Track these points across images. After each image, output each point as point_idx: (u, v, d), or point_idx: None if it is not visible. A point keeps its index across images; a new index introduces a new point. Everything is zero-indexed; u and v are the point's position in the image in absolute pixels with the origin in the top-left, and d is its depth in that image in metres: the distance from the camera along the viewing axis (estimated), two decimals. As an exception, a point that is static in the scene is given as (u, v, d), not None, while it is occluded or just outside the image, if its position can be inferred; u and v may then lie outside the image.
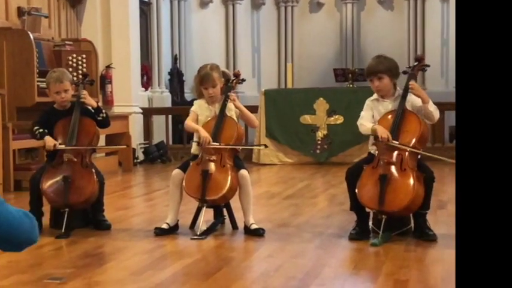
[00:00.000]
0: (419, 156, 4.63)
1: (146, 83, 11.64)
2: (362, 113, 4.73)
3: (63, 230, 4.81)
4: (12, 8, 8.22)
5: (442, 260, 4.02)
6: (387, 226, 4.44)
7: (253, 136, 10.07)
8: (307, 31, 13.97)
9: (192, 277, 3.77)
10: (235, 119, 5.00)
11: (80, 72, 8.03)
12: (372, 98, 4.78)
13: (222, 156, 4.85)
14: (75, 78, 6.07)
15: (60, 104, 5.18)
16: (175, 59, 12.69)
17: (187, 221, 5.06)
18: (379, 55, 4.82)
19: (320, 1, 13.89)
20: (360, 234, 4.59)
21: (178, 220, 4.93)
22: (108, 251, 4.48)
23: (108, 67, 9.85)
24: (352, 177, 4.62)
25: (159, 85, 12.17)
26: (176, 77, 12.71)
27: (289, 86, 11.27)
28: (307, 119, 9.72)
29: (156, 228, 4.88)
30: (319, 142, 9.60)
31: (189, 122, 5.00)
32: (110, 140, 9.16)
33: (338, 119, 9.56)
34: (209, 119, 4.98)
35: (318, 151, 9.60)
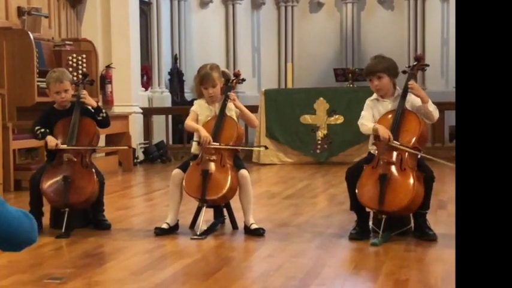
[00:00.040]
0: (419, 156, 4.63)
1: (146, 83, 11.64)
2: (363, 113, 4.73)
3: (63, 230, 4.81)
4: (12, 8, 8.22)
5: (442, 260, 4.02)
6: (387, 226, 4.44)
7: (253, 136, 10.07)
8: (307, 31, 13.98)
9: (192, 277, 3.77)
10: (235, 118, 5.00)
11: (80, 72, 8.03)
12: (371, 97, 4.78)
13: (222, 156, 4.85)
14: (75, 78, 6.08)
15: (60, 104, 5.18)
16: (175, 59, 12.69)
17: (187, 220, 5.06)
18: (377, 55, 4.83)
19: (320, 1, 13.90)
20: (360, 234, 4.59)
21: (178, 220, 4.93)
22: (108, 250, 4.48)
23: (108, 67, 9.85)
24: (352, 177, 4.62)
25: (159, 85, 12.17)
26: (176, 77, 12.71)
27: (289, 85, 11.28)
28: (307, 118, 9.72)
29: (156, 228, 4.88)
30: (319, 142, 9.60)
31: (189, 122, 5.00)
32: (110, 140, 9.16)
33: (338, 119, 9.56)
34: (209, 118, 4.97)
35: (318, 151, 9.59)
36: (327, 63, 13.38)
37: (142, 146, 10.52)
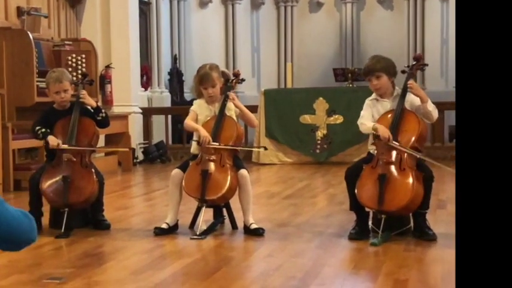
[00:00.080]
0: (418, 156, 4.63)
1: (146, 83, 11.64)
2: (362, 113, 4.74)
3: (62, 230, 4.81)
4: (12, 8, 8.22)
5: (441, 260, 4.02)
6: (387, 226, 4.44)
7: (253, 136, 10.07)
8: (307, 31, 13.98)
9: (191, 277, 3.77)
10: (234, 118, 5.00)
11: (80, 72, 8.03)
12: (371, 97, 4.79)
13: (221, 156, 4.85)
14: (74, 78, 6.07)
15: (59, 104, 5.18)
16: (174, 59, 12.69)
17: (186, 220, 5.06)
18: (375, 55, 4.86)
19: (320, 1, 13.89)
20: (359, 233, 4.59)
21: (177, 220, 4.93)
22: (108, 250, 4.48)
23: (107, 67, 9.85)
24: (352, 177, 4.62)
25: (158, 85, 12.17)
26: (176, 77, 12.71)
27: (289, 85, 11.28)
28: (306, 118, 9.72)
29: (155, 228, 4.88)
30: (319, 142, 9.60)
31: (189, 121, 5.00)
32: (110, 139, 9.16)
33: (338, 119, 9.57)
34: (209, 118, 4.97)
35: (317, 151, 9.60)
36: (326, 63, 13.37)
37: (142, 146, 10.51)
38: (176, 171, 4.92)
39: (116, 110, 9.84)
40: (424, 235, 4.52)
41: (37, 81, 7.63)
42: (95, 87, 8.68)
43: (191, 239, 4.70)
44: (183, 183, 4.84)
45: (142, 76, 11.28)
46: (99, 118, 5.21)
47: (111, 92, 9.89)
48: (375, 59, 4.74)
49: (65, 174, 4.97)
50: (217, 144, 4.84)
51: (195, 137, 4.98)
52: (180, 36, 12.87)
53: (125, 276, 3.76)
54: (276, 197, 6.72)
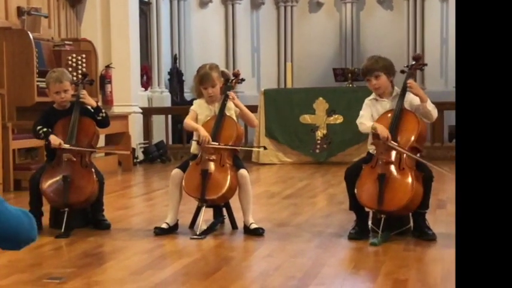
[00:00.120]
0: (418, 155, 4.64)
1: (146, 83, 11.64)
2: (361, 112, 4.74)
3: (62, 230, 4.81)
4: (12, 8, 8.22)
5: (441, 260, 4.02)
6: (386, 225, 4.44)
7: (253, 136, 10.07)
8: (307, 31, 13.97)
9: (191, 277, 3.78)
10: (234, 118, 5.01)
11: (80, 72, 8.03)
12: (370, 97, 4.79)
13: (221, 155, 4.85)
14: (74, 78, 6.07)
15: (59, 104, 5.18)
16: (174, 59, 12.69)
17: (186, 220, 5.07)
18: (372, 55, 4.88)
19: (319, 1, 13.89)
20: (359, 233, 4.59)
21: (177, 220, 4.93)
22: (108, 250, 4.49)
23: (107, 67, 9.85)
24: (351, 177, 4.63)
25: (158, 85, 12.17)
26: (176, 77, 12.71)
27: (289, 85, 11.28)
28: (306, 118, 9.72)
29: (155, 228, 4.88)
30: (319, 142, 9.60)
31: (189, 121, 5.00)
32: (110, 139, 9.17)
33: (337, 119, 9.57)
34: (209, 118, 4.98)
35: (317, 151, 9.60)
36: (326, 63, 13.38)
37: (142, 146, 10.52)
38: (176, 171, 4.92)
39: (116, 109, 9.85)
40: (424, 235, 4.52)
41: (37, 81, 7.63)
42: (95, 87, 8.68)
43: (191, 238, 4.70)
44: (183, 183, 4.85)
45: (142, 76, 11.29)
46: (99, 118, 5.21)
47: (111, 92, 9.89)
48: (373, 59, 4.76)
49: (65, 174, 4.97)
50: (216, 144, 4.85)
51: (195, 137, 4.99)
52: (180, 36, 12.87)
53: (125, 276, 3.76)
54: (276, 196, 6.72)
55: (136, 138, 10.12)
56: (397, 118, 4.58)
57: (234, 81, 5.14)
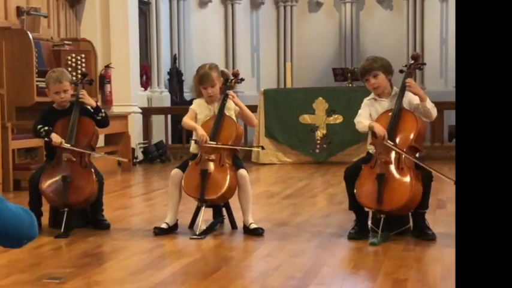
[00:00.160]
0: (417, 155, 4.64)
1: (145, 83, 11.64)
2: (360, 111, 4.75)
3: (62, 230, 4.81)
4: (11, 8, 8.22)
5: (441, 259, 4.02)
6: (386, 225, 4.44)
7: (253, 136, 10.07)
8: (307, 31, 13.98)
9: (191, 276, 3.77)
10: (234, 118, 5.01)
11: (79, 71, 8.04)
12: (369, 97, 4.80)
13: (221, 155, 4.85)
14: (74, 78, 6.07)
15: (59, 104, 5.18)
16: (174, 59, 12.69)
17: (186, 220, 5.06)
18: (369, 56, 4.90)
19: (319, 1, 13.89)
20: (359, 233, 4.59)
21: (177, 220, 4.93)
22: (108, 250, 4.49)
23: (107, 67, 9.85)
24: (351, 177, 4.63)
25: (158, 85, 12.17)
26: (175, 77, 12.71)
27: (289, 85, 11.28)
28: (306, 118, 9.72)
29: (155, 228, 4.88)
30: (319, 142, 9.60)
31: (187, 120, 5.00)
32: (109, 139, 9.17)
33: (337, 119, 9.57)
34: (208, 118, 4.98)
35: (317, 151, 9.60)
36: (326, 63, 13.38)
37: (142, 145, 10.52)
38: (176, 171, 4.92)
39: (116, 109, 9.85)
40: (424, 235, 4.52)
41: (37, 81, 7.63)
42: (95, 87, 8.69)
43: (191, 238, 4.70)
44: (183, 183, 4.85)
45: (141, 76, 11.28)
46: (98, 118, 5.21)
47: (110, 91, 9.89)
48: (371, 58, 4.78)
49: (64, 174, 4.97)
50: (214, 143, 4.85)
51: (194, 136, 4.98)
52: (179, 36, 12.87)
53: (125, 276, 3.76)
54: (276, 196, 6.72)
55: (135, 138, 10.12)
56: (396, 117, 4.58)
57: (233, 81, 5.13)
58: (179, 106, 11.50)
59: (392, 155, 4.53)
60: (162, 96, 12.18)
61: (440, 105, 6.65)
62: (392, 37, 13.32)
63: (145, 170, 9.59)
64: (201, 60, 8.14)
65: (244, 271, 4.00)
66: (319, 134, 9.63)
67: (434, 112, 4.64)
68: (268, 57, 13.97)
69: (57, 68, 5.75)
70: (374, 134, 4.55)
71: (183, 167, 4.92)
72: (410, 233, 4.64)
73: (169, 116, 11.10)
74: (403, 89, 4.62)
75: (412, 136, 4.55)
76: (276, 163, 9.75)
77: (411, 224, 4.67)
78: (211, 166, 4.83)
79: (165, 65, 12.46)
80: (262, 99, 9.89)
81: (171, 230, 4.87)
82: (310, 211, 5.82)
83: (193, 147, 5.02)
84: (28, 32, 7.81)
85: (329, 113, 9.59)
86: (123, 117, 9.42)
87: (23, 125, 7.47)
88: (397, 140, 4.55)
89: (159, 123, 11.14)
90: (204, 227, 4.83)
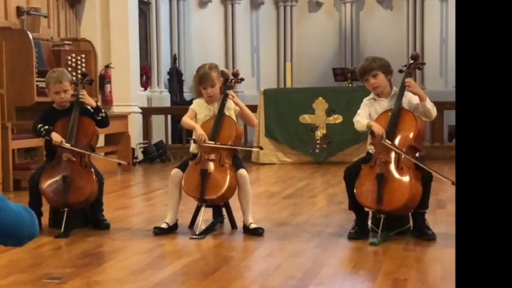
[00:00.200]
0: (417, 155, 4.64)
1: (145, 83, 11.64)
2: (359, 111, 4.76)
3: (62, 230, 4.81)
4: (11, 8, 8.22)
5: (441, 259, 4.02)
6: (386, 225, 4.44)
7: (253, 136, 10.07)
8: (307, 31, 13.97)
9: (191, 276, 3.77)
10: (234, 118, 5.01)
11: (79, 71, 8.03)
12: (368, 97, 4.80)
13: (220, 155, 4.85)
14: (74, 78, 6.06)
15: (59, 104, 5.18)
16: (174, 59, 12.69)
17: (186, 220, 5.06)
18: (368, 56, 4.91)
19: (319, 1, 13.89)
20: (358, 233, 4.59)
21: (177, 219, 4.93)
22: (107, 250, 4.49)
23: (107, 67, 9.85)
24: (351, 177, 4.63)
25: (158, 85, 12.17)
26: (175, 77, 12.71)
27: (289, 85, 11.28)
28: (306, 118, 9.72)
29: (155, 228, 4.88)
30: (319, 141, 9.60)
31: (186, 119, 5.00)
32: (109, 139, 9.17)
33: (337, 119, 9.57)
34: (208, 118, 4.98)
35: (317, 150, 9.60)
36: (326, 63, 13.37)
37: (142, 145, 10.52)
38: (175, 171, 4.92)
39: (116, 109, 9.85)
40: (424, 235, 4.52)
41: (37, 81, 7.63)
42: (95, 87, 8.69)
43: (191, 238, 4.70)
44: (183, 183, 4.85)
45: (141, 76, 11.28)
46: (98, 118, 5.21)
47: (110, 91, 9.89)
48: (370, 58, 4.79)
49: (64, 174, 4.97)
50: (212, 143, 4.85)
51: (193, 136, 4.99)
52: (179, 36, 12.87)
53: (125, 276, 3.76)
54: (276, 196, 6.72)
55: (135, 138, 10.12)
56: (396, 117, 4.58)
57: (233, 80, 5.13)
58: (179, 106, 11.50)
59: (392, 154, 4.53)
60: (162, 96, 12.18)
61: (440, 105, 6.65)
62: (392, 37, 13.32)
63: (145, 170, 9.59)
64: (201, 60, 8.13)
65: (244, 271, 4.00)
66: (319, 134, 9.63)
67: (434, 111, 4.64)
68: (268, 57, 13.96)
69: (57, 68, 5.75)
70: (372, 133, 4.55)
71: (183, 167, 4.92)
72: (410, 233, 4.64)
73: (169, 116, 11.10)
74: (403, 88, 4.63)
75: (411, 136, 4.55)
76: (276, 163, 9.75)
77: (411, 224, 4.67)
78: (211, 166, 4.83)
79: (165, 65, 12.46)
80: (262, 99, 9.90)
81: (171, 230, 4.87)
82: (310, 211, 5.82)
83: (193, 147, 5.02)
84: (28, 32, 7.81)
85: (329, 113, 9.59)
86: (123, 117, 9.42)
87: (23, 125, 7.47)
88: (397, 140, 4.55)
89: (159, 123, 11.14)
90: (203, 227, 4.83)
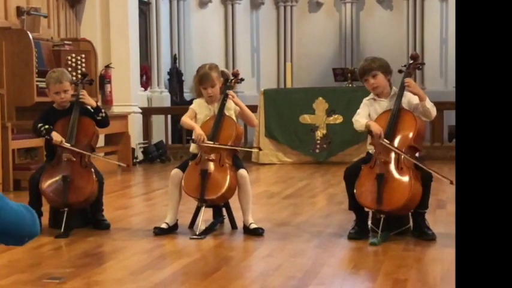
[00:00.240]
0: (417, 155, 4.64)
1: (145, 83, 11.64)
2: (358, 111, 4.77)
3: (62, 230, 4.81)
4: (12, 8, 8.22)
5: (441, 259, 4.02)
6: (386, 225, 4.44)
7: (253, 136, 10.07)
8: (307, 31, 13.98)
9: (191, 276, 3.77)
10: (234, 118, 5.01)
11: (79, 72, 8.03)
12: (368, 97, 4.80)
13: (220, 155, 4.85)
14: (74, 78, 6.06)
15: (59, 104, 5.18)
16: (174, 59, 12.69)
17: (186, 220, 5.06)
18: (367, 57, 4.91)
19: (319, 1, 13.89)
20: (359, 233, 4.59)
21: (177, 220, 4.93)
22: (108, 250, 4.49)
23: (107, 67, 9.85)
24: (351, 177, 4.63)
25: (158, 85, 12.17)
26: (175, 77, 12.71)
27: (289, 85, 11.28)
28: (306, 118, 9.72)
29: (155, 228, 4.88)
30: (319, 142, 9.60)
31: (185, 119, 5.01)
32: (109, 139, 9.17)
33: (337, 119, 9.57)
34: (208, 118, 4.98)
35: (317, 151, 9.60)
36: (326, 63, 13.38)
37: (142, 145, 10.52)
38: (176, 171, 4.92)
39: (116, 109, 9.84)
40: (424, 235, 4.52)
41: (37, 81, 7.63)
42: (95, 87, 8.69)
43: (191, 238, 4.70)
44: (183, 183, 4.85)
45: (142, 76, 11.28)
46: (99, 118, 5.21)
47: (110, 91, 9.89)
48: (369, 59, 4.80)
49: (64, 174, 4.97)
50: (211, 142, 4.85)
51: (193, 136, 4.99)
52: (179, 36, 12.87)
53: (125, 276, 3.76)
54: (276, 196, 6.72)
55: (135, 138, 10.12)
56: (395, 117, 4.58)
57: (233, 81, 5.14)
58: (179, 106, 11.49)
59: (392, 155, 4.53)
60: (162, 96, 12.18)
61: (440, 105, 6.66)
62: (392, 37, 13.32)
63: (145, 170, 9.59)
64: (201, 60, 8.14)
65: (244, 271, 4.00)
66: (319, 134, 9.63)
67: (433, 111, 4.64)
68: (268, 57, 13.97)
69: (57, 68, 5.75)
70: (370, 133, 4.56)
71: (183, 167, 4.92)
72: (410, 233, 4.64)
73: (169, 116, 11.10)
74: (402, 88, 4.63)
75: (411, 136, 4.55)
76: (276, 163, 9.75)
77: (411, 224, 4.67)
78: (211, 166, 4.83)
79: (165, 65, 12.46)
80: (262, 99, 9.90)
81: (171, 230, 4.87)
82: (310, 211, 5.82)
83: (193, 147, 5.02)
84: (28, 32, 7.81)
85: (329, 113, 9.59)
86: (123, 117, 9.42)
87: (23, 125, 7.47)
88: (397, 140, 4.55)
89: (159, 123, 11.14)
90: (203, 227, 4.83)
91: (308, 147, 9.65)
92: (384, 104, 4.71)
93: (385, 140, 4.50)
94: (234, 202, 5.01)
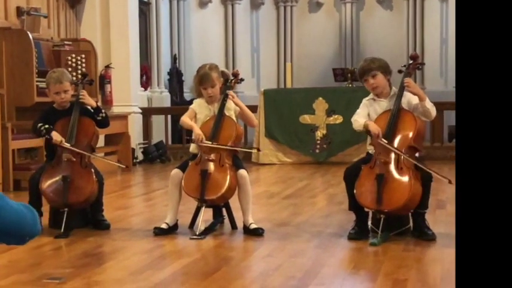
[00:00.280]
0: (417, 155, 4.64)
1: (145, 83, 11.64)
2: (358, 110, 4.77)
3: (62, 230, 4.81)
4: (12, 8, 8.22)
5: (441, 260, 4.02)
6: (386, 226, 4.44)
7: (253, 136, 10.07)
8: (307, 31, 13.98)
9: (191, 277, 3.77)
10: (234, 118, 5.01)
11: (79, 72, 8.03)
12: (368, 97, 4.80)
13: (220, 155, 4.85)
14: (74, 78, 6.06)
15: (59, 104, 5.18)
16: (174, 59, 12.69)
17: (186, 220, 5.06)
18: (367, 57, 4.92)
19: (319, 1, 13.89)
20: (359, 233, 4.59)
21: (177, 220, 4.93)
22: (107, 250, 4.49)
23: (107, 67, 9.85)
24: (351, 177, 4.63)
25: (158, 85, 12.17)
26: (175, 77, 12.72)
27: (289, 85, 11.28)
28: (306, 118, 9.72)
29: (155, 228, 4.88)
30: (319, 142, 9.60)
31: (185, 119, 5.01)
32: (109, 140, 9.17)
33: (337, 119, 9.57)
34: (208, 118, 4.98)
35: (317, 151, 9.60)
36: (326, 63, 13.38)
37: (142, 146, 10.52)
38: (176, 171, 4.92)
39: (116, 110, 9.85)
40: (424, 235, 4.52)
41: (37, 81, 7.63)
42: (95, 87, 8.69)
43: (191, 239, 4.70)
44: (183, 183, 4.85)
45: (142, 76, 11.29)
46: (99, 118, 5.21)
47: (110, 92, 9.89)
48: (369, 59, 4.81)
49: (64, 174, 4.97)
50: (209, 142, 4.85)
51: (192, 136, 4.99)
52: (179, 36, 12.87)
53: (125, 276, 3.76)
54: (276, 197, 6.72)
55: (135, 138, 10.12)
56: (395, 117, 4.58)
57: (233, 81, 5.13)
58: (179, 106, 11.49)
59: (392, 155, 4.53)
60: (162, 97, 12.18)
61: (440, 105, 6.66)
62: (392, 37, 13.32)
63: (145, 170, 9.59)
64: (201, 60, 8.14)
65: (244, 271, 4.00)
66: (319, 134, 9.63)
67: (433, 111, 4.64)
68: (268, 57, 13.97)
69: (57, 69, 5.75)
70: (369, 133, 4.56)
71: (183, 167, 4.92)
72: (410, 233, 4.64)
73: (169, 116, 11.10)
74: (402, 89, 4.63)
75: (411, 136, 4.55)
76: (276, 163, 9.76)
77: (411, 224, 4.67)
78: (211, 166, 4.83)
79: (165, 65, 12.46)
80: (262, 99, 9.90)
81: (171, 230, 4.87)
82: (310, 211, 5.82)
83: (193, 148, 5.02)
84: (28, 32, 7.81)
85: (329, 113, 9.58)
86: (123, 117, 9.42)
87: (23, 125, 7.47)
88: (396, 140, 4.55)
89: (159, 123, 11.14)
90: (203, 227, 4.83)
91: (308, 147, 9.64)
92: (383, 104, 4.71)
93: (383, 139, 4.50)
94: (234, 202, 5.00)
